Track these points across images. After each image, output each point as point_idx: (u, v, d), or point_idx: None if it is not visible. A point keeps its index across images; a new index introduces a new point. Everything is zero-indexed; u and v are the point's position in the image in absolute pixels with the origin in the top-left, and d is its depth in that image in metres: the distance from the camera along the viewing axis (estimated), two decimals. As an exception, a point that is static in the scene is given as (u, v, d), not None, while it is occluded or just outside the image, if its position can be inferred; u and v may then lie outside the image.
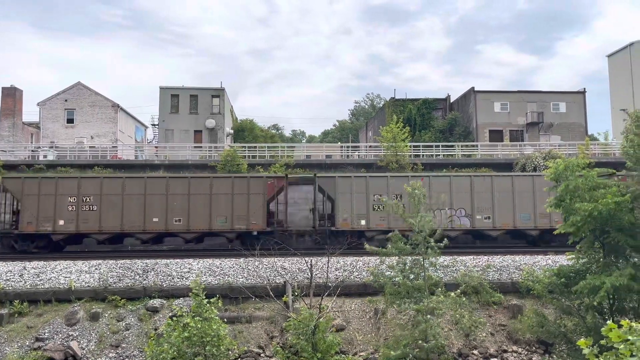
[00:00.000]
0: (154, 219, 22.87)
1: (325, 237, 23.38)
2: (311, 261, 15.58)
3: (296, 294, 15.69)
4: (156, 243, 23.94)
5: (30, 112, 70.35)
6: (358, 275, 17.38)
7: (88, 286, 16.74)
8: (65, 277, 17.12)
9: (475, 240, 25.29)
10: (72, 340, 14.83)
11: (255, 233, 23.10)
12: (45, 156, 37.36)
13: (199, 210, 23.03)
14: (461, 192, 23.57)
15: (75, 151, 38.01)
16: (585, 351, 4.59)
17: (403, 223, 22.75)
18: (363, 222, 23.25)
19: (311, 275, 15.19)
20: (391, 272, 13.82)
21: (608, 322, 4.52)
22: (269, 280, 16.51)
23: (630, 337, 4.31)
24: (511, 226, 23.45)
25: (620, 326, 4.41)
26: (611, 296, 11.75)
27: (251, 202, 23.16)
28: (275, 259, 17.75)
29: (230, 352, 13.29)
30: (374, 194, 23.40)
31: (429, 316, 12.69)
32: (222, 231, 23.30)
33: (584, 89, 47.25)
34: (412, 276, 13.31)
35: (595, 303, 11.58)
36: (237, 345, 14.14)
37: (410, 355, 12.35)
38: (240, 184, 23.49)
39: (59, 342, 14.76)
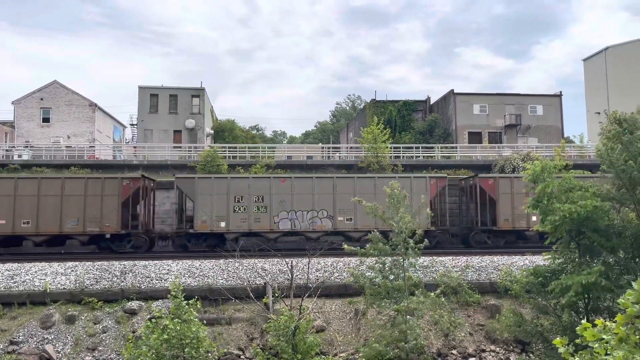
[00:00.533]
0: (0, 222, 22.23)
1: (185, 240, 23.21)
2: (292, 262, 15.55)
3: (276, 295, 15.63)
4: (4, 247, 22.89)
5: (4, 111, 68.98)
6: (339, 276, 17.39)
7: (64, 288, 16.42)
8: (40, 280, 16.77)
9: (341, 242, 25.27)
10: (47, 343, 14.53)
11: (108, 236, 22.68)
12: (20, 156, 36.62)
13: (50, 212, 22.34)
14: (324, 193, 23.58)
15: (51, 151, 37.31)
16: (561, 350, 4.67)
17: (264, 224, 23.13)
18: (223, 224, 23.01)
19: (291, 276, 15.16)
20: (371, 272, 13.86)
21: (583, 321, 4.59)
22: (249, 282, 16.42)
23: (604, 336, 4.39)
24: (373, 227, 23.35)
25: (595, 325, 4.49)
26: (586, 295, 11.96)
27: (105, 203, 22.51)
28: (256, 260, 17.68)
29: (209, 354, 13.17)
30: (235, 195, 23.22)
31: (408, 317, 12.76)
32: (74, 233, 22.73)
33: (560, 92, 48.14)
34: (391, 277, 13.36)
35: (563, 302, 11.74)
36: (216, 347, 14.02)
37: (391, 354, 12.40)
38: (94, 185, 22.84)
39: (33, 346, 14.46)
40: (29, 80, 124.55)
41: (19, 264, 18.02)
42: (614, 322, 4.44)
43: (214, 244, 22.97)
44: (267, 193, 23.35)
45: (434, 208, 24.55)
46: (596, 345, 4.43)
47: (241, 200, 23.22)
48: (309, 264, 15.92)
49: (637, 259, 12.25)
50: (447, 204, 25.82)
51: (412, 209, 22.90)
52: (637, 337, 4.32)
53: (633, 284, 4.44)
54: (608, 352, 4.34)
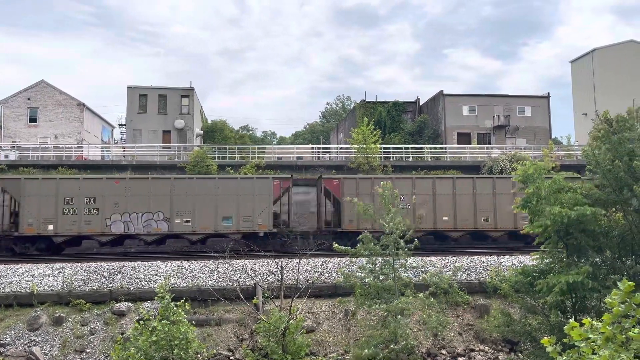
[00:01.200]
0: None
1: (12, 243, 22.60)
2: (282, 263, 15.53)
3: (266, 295, 15.60)
4: None
5: (-10, 111, 67.77)
6: (329, 276, 17.38)
7: (51, 290, 16.26)
8: (27, 281, 16.59)
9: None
10: (34, 345, 14.38)
11: None
12: (6, 156, 36.17)
13: None
14: (160, 195, 23.15)
15: (39, 151, 36.92)
16: (549, 349, 4.71)
17: (95, 227, 22.44)
18: (51, 227, 22.41)
19: (281, 277, 15.14)
20: (361, 272, 13.88)
21: (570, 320, 4.64)
22: (239, 283, 16.37)
23: (591, 335, 4.44)
24: (212, 230, 23.18)
25: (582, 325, 4.53)
26: (573, 295, 12.06)
27: None
28: (246, 261, 17.63)
29: (199, 355, 13.13)
30: (65, 196, 22.69)
31: (399, 317, 12.79)
32: None
33: (548, 93, 48.58)
34: (382, 277, 13.40)
35: (549, 301, 11.82)
36: (205, 348, 13.97)
37: (381, 355, 12.43)
38: None
39: (20, 348, 14.31)
40: (17, 80, 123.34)
41: (6, 265, 17.82)
42: (600, 321, 4.49)
43: (43, 248, 22.50)
44: (100, 194, 22.77)
45: (275, 210, 24.03)
46: (583, 344, 4.47)
47: (71, 201, 22.61)
48: (299, 264, 15.91)
49: (623, 259, 12.39)
50: (293, 205, 25.13)
51: (254, 211, 22.82)
52: (623, 336, 4.37)
53: (619, 283, 4.49)
54: (595, 352, 4.39)
